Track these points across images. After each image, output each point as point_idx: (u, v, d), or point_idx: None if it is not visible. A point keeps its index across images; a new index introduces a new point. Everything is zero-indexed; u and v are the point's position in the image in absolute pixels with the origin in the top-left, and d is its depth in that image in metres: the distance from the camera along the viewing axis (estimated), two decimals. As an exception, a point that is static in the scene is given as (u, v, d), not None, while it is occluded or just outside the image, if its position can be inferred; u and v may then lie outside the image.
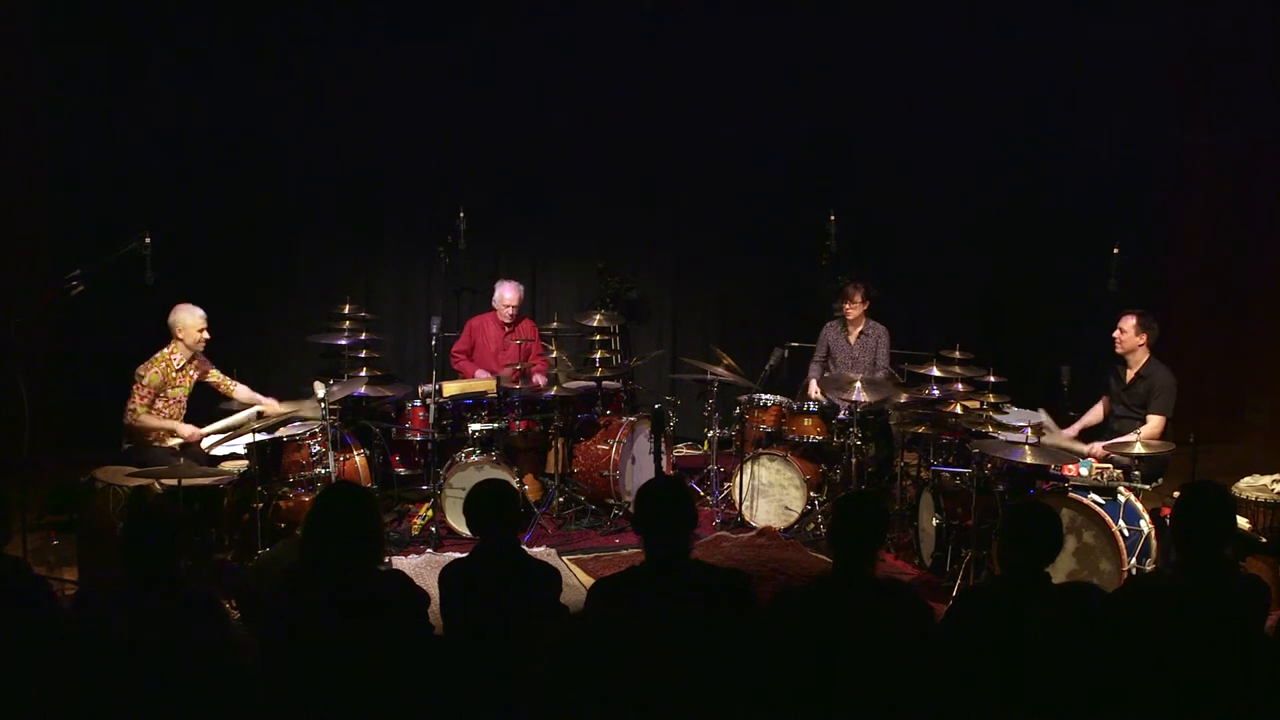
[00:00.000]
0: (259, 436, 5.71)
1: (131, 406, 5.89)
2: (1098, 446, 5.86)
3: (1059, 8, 8.63)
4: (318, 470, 6.03)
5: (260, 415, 5.90)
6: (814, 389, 7.31)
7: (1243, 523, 5.46)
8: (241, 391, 6.35)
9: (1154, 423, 5.98)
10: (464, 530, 6.39)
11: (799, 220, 8.48)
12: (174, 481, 5.00)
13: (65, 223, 7.75)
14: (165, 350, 6.02)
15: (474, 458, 6.61)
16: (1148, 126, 8.53)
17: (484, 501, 3.66)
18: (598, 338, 7.72)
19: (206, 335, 6.11)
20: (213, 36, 7.99)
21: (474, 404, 7.01)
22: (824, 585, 3.45)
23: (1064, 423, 6.40)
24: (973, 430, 5.96)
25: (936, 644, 3.27)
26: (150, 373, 5.92)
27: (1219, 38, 8.21)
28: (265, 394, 6.39)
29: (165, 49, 7.90)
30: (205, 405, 6.31)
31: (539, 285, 8.92)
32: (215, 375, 6.32)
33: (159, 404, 5.98)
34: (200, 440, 5.96)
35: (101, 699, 3.09)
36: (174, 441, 5.93)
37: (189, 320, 6.05)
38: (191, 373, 6.14)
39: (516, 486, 6.26)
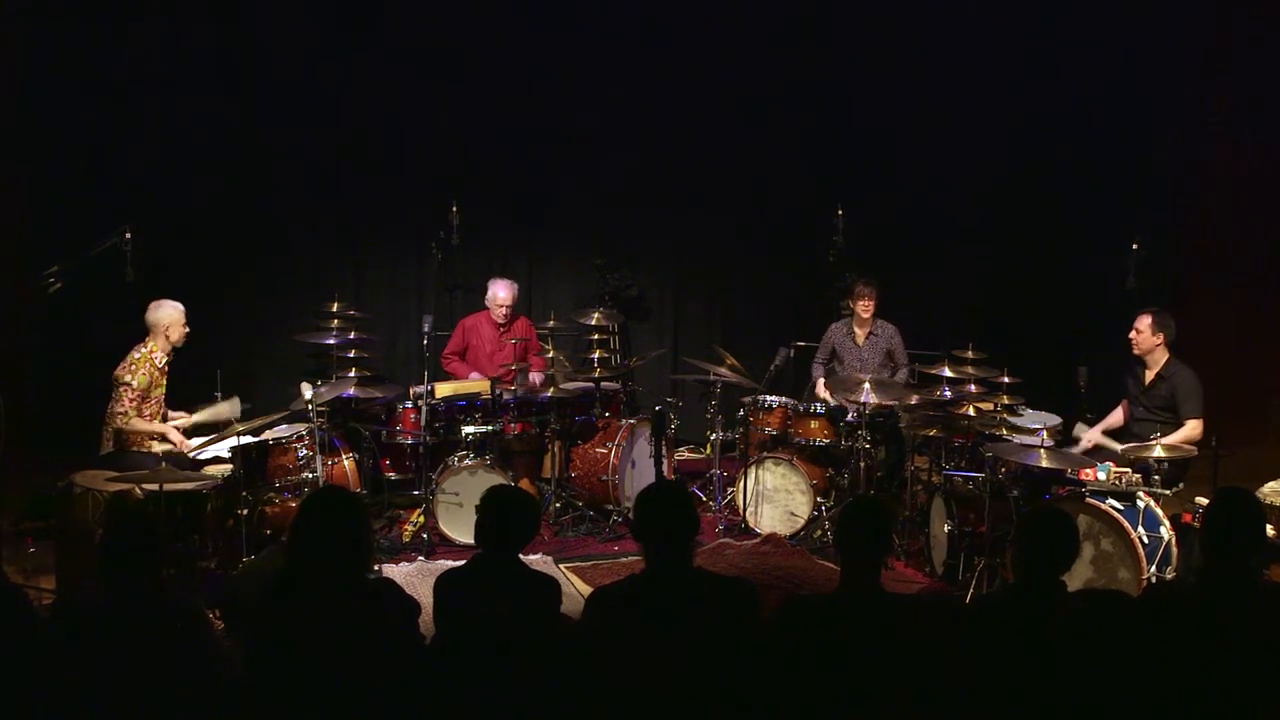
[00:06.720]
0: (244, 440, 5.60)
1: (121, 411, 5.75)
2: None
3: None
4: (305, 475, 5.93)
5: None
6: (821, 388, 7.18)
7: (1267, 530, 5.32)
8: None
9: (1191, 425, 5.84)
10: (456, 537, 6.30)
11: (805, 214, 8.41)
12: (155, 486, 4.92)
13: (43, 218, 7.59)
14: (145, 349, 5.89)
15: (467, 462, 6.45)
16: (1167, 117, 8.41)
17: (499, 512, 3.47)
18: (596, 337, 7.60)
19: (188, 330, 6.01)
20: (199, 29, 7.84)
21: (467, 406, 6.90)
22: (833, 595, 3.35)
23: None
24: (986, 433, 5.85)
25: (948, 655, 3.17)
26: (137, 375, 5.79)
27: (1242, 23, 8.08)
28: (250, 396, 6.28)
29: (149, 41, 7.76)
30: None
31: (535, 282, 8.79)
32: None
33: (144, 407, 5.85)
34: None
35: (80, 712, 3.03)
36: (163, 447, 5.79)
37: (175, 316, 5.96)
38: (166, 370, 5.98)
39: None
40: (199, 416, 6.08)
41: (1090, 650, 3.10)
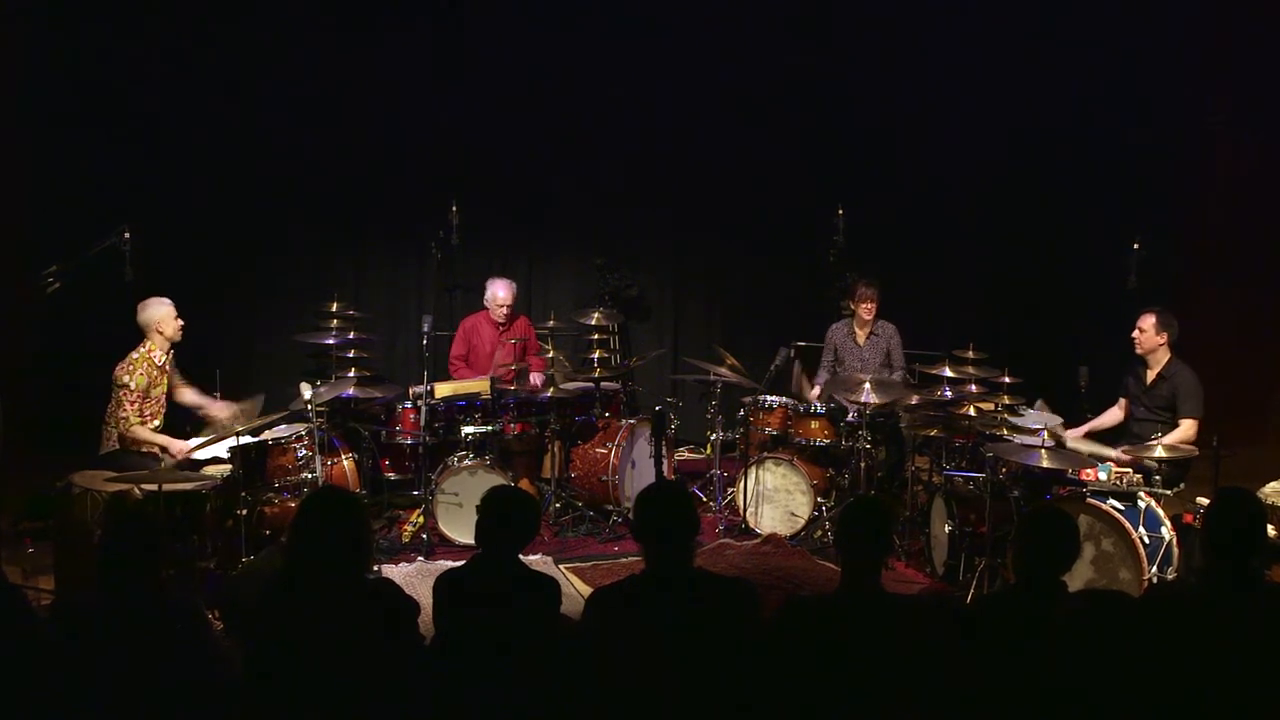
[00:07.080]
0: (243, 440, 5.57)
1: (123, 416, 5.69)
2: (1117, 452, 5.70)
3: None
4: (304, 475, 5.89)
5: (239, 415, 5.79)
6: (814, 392, 7.17)
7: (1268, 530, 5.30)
8: (189, 395, 6.13)
9: (1187, 426, 5.85)
10: (456, 537, 6.28)
11: (805, 214, 8.37)
12: (154, 486, 4.89)
13: (43, 218, 7.54)
14: (142, 349, 5.83)
15: (467, 462, 6.43)
16: (1167, 117, 8.37)
17: (499, 511, 3.46)
18: (596, 337, 7.57)
19: (182, 323, 5.95)
20: (199, 29, 7.81)
21: (467, 406, 6.87)
22: (834, 596, 3.34)
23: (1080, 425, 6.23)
24: (987, 433, 5.83)
25: (948, 655, 3.16)
26: (136, 376, 5.73)
27: (1242, 23, 8.06)
28: (244, 397, 6.21)
29: (147, 41, 7.73)
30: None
31: (535, 282, 8.76)
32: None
33: (145, 409, 5.80)
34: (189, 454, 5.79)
35: (80, 712, 3.02)
36: (167, 460, 5.72)
37: (165, 312, 5.88)
38: (168, 369, 5.96)
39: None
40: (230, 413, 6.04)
41: (1091, 651, 3.08)
